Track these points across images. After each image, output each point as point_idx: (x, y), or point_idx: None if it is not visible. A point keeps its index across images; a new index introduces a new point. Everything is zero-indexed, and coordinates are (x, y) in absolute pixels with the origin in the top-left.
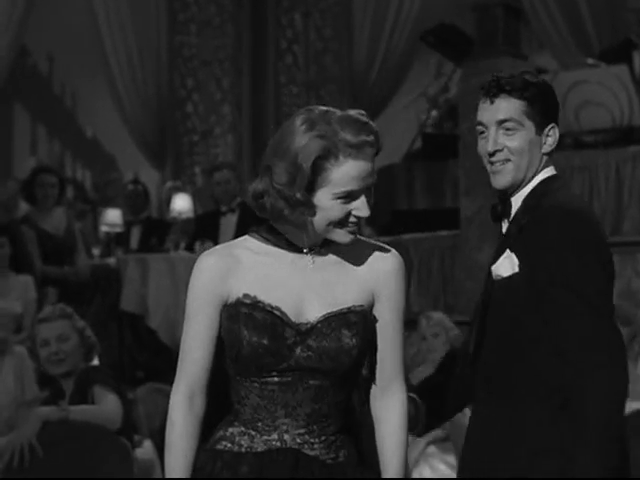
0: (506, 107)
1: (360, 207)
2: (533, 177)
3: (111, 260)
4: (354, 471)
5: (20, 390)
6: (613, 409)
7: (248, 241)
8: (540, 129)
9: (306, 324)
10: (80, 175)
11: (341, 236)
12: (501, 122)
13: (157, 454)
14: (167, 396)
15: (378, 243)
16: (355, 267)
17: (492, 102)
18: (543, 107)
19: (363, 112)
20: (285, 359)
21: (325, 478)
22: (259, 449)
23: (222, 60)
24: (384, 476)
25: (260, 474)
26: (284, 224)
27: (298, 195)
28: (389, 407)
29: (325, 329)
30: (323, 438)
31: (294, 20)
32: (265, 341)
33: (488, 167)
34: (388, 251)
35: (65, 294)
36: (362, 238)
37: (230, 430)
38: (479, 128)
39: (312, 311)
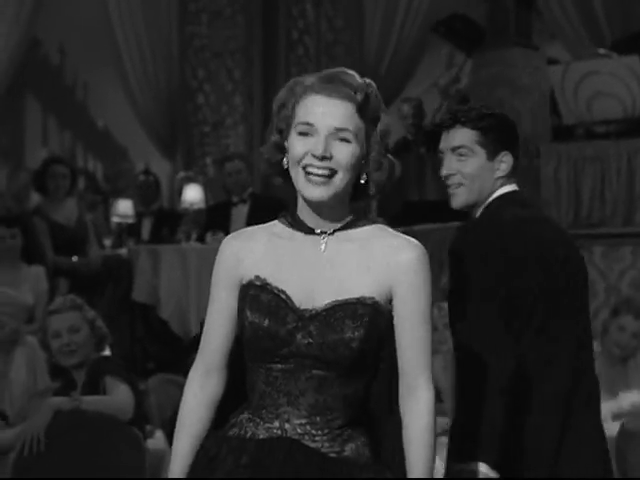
0: (460, 136)
1: (314, 145)
2: (488, 197)
3: (123, 251)
4: (361, 467)
5: (32, 380)
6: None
7: (275, 225)
8: (492, 156)
9: (311, 310)
10: (91, 166)
11: (304, 186)
12: (454, 149)
13: (168, 444)
14: (179, 387)
15: (401, 234)
16: (372, 257)
17: (448, 132)
18: (496, 136)
19: (354, 72)
20: (285, 344)
21: (318, 470)
22: (261, 436)
23: (233, 51)
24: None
25: (258, 463)
26: (273, 176)
27: (273, 137)
28: (413, 409)
29: (328, 318)
30: (326, 431)
31: (305, 11)
32: (265, 323)
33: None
34: (410, 243)
35: (76, 285)
36: (386, 229)
37: (240, 417)
38: (440, 156)
39: (319, 298)
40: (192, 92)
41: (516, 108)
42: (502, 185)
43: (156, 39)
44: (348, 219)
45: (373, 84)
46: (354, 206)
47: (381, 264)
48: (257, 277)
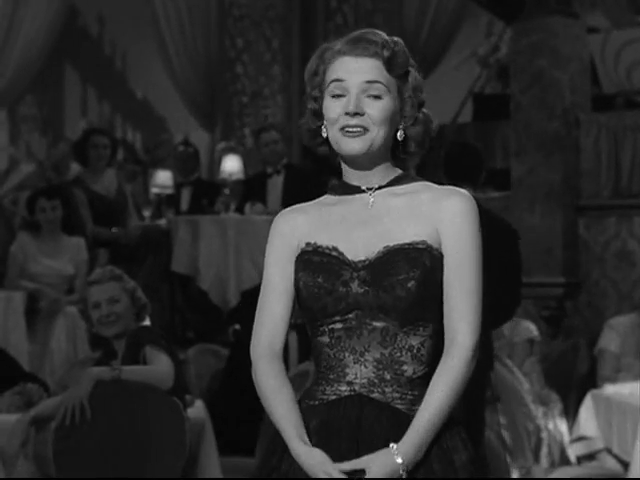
0: None
1: (346, 104)
2: None
3: (162, 222)
4: None
5: (72, 350)
6: None
7: (325, 197)
8: None
9: (364, 261)
10: (130, 137)
11: (341, 142)
12: None
13: (208, 414)
14: (217, 356)
15: (449, 186)
16: (420, 205)
17: None
18: None
19: (380, 32)
20: (343, 297)
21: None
22: (330, 399)
23: (272, 20)
24: (410, 430)
25: (328, 425)
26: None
27: (309, 105)
28: (447, 351)
29: (382, 263)
30: (395, 386)
31: None
32: (320, 279)
33: None
34: (456, 189)
35: (116, 256)
36: (432, 184)
37: (310, 387)
38: None
39: (371, 247)
40: (230, 62)
41: (556, 77)
42: None
43: (195, 8)
44: (393, 176)
45: (400, 42)
46: (398, 165)
47: (429, 209)
48: (308, 244)
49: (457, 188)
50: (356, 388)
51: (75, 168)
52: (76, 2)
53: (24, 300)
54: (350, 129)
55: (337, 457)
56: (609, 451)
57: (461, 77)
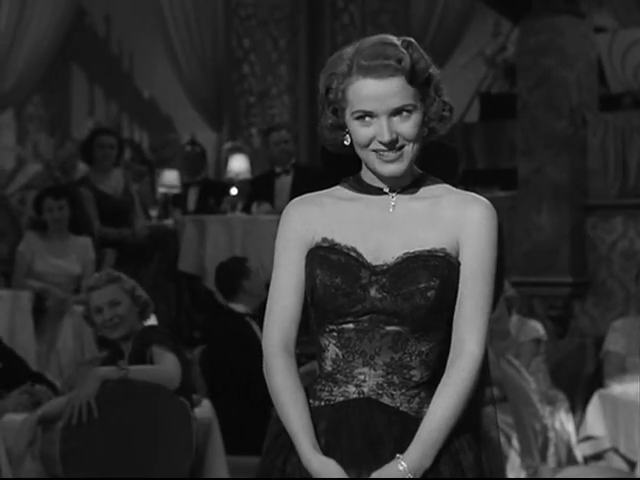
0: None
1: (379, 132)
2: None
3: (169, 221)
4: None
5: (79, 350)
6: None
7: (337, 190)
8: None
9: (383, 265)
10: (137, 136)
11: (377, 165)
12: None
13: (215, 413)
14: None
15: (470, 193)
16: (440, 211)
17: None
18: None
19: (394, 38)
20: (359, 300)
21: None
22: (337, 400)
23: (279, 20)
24: (416, 438)
25: (337, 427)
26: (337, 149)
27: (329, 120)
28: (455, 361)
29: (402, 270)
30: (404, 390)
31: None
32: (338, 280)
33: None
34: (479, 198)
35: (123, 255)
36: (452, 188)
37: (313, 387)
38: None
39: (390, 252)
40: (237, 62)
41: (563, 77)
42: None
43: (202, 8)
44: (414, 176)
45: (414, 42)
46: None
47: (450, 217)
48: (324, 239)
49: (478, 196)
50: (365, 391)
51: (82, 168)
52: (83, 2)
53: (31, 299)
54: (385, 153)
55: (351, 460)
56: (616, 451)
57: (468, 77)
